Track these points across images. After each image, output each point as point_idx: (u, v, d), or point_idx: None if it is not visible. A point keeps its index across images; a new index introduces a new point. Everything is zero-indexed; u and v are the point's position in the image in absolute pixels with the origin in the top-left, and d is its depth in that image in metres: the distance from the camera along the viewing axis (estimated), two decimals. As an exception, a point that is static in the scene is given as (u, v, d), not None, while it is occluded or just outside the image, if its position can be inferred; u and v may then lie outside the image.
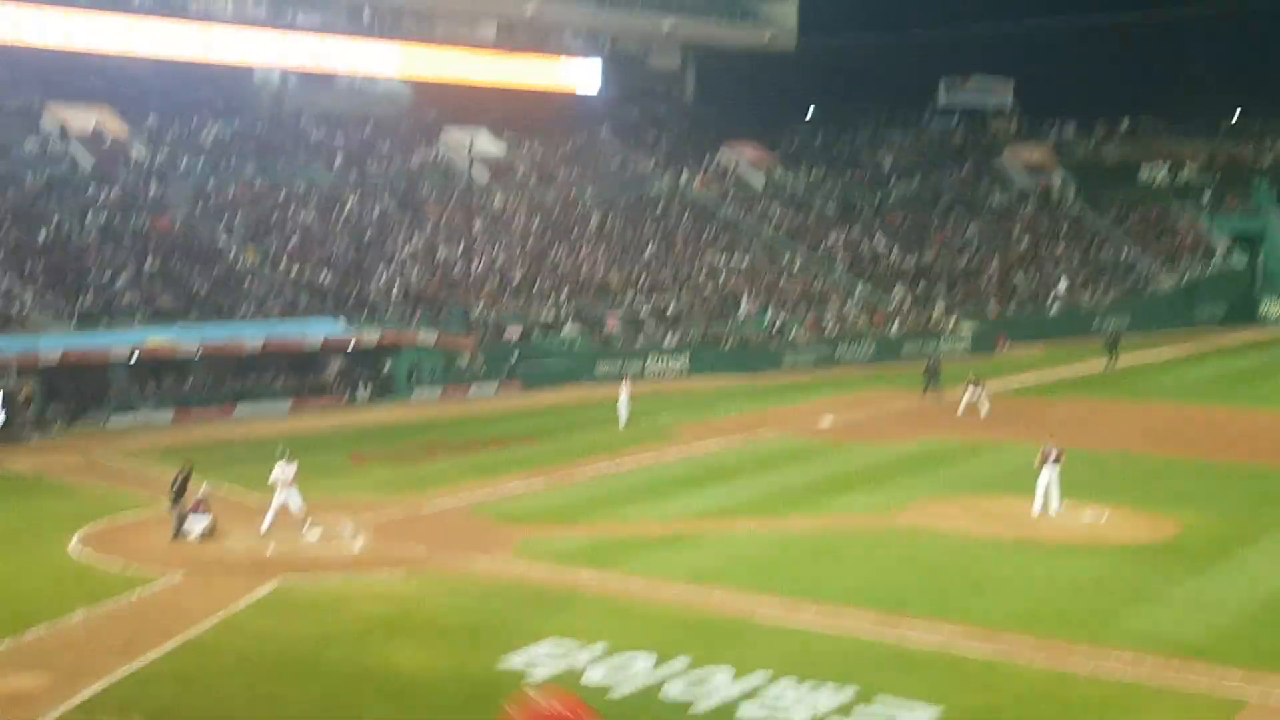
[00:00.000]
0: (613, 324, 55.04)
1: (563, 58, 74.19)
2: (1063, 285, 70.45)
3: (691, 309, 58.30)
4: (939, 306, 63.91)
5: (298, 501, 26.71)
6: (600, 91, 74.94)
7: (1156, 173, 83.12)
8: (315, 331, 46.26)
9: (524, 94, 71.61)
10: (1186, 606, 22.35)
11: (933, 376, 47.44)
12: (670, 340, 55.03)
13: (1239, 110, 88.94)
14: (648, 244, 63.58)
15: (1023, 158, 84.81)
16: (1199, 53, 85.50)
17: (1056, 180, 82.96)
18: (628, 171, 71.73)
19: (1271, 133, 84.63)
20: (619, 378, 47.04)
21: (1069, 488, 29.14)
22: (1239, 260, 76.23)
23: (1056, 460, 28.72)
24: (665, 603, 22.26)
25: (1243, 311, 74.28)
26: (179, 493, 26.35)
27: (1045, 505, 28.68)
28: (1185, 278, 73.80)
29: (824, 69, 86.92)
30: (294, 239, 53.76)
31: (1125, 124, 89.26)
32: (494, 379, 49.33)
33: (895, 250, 70.28)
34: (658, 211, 67.51)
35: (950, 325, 62.14)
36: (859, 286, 64.57)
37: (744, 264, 64.14)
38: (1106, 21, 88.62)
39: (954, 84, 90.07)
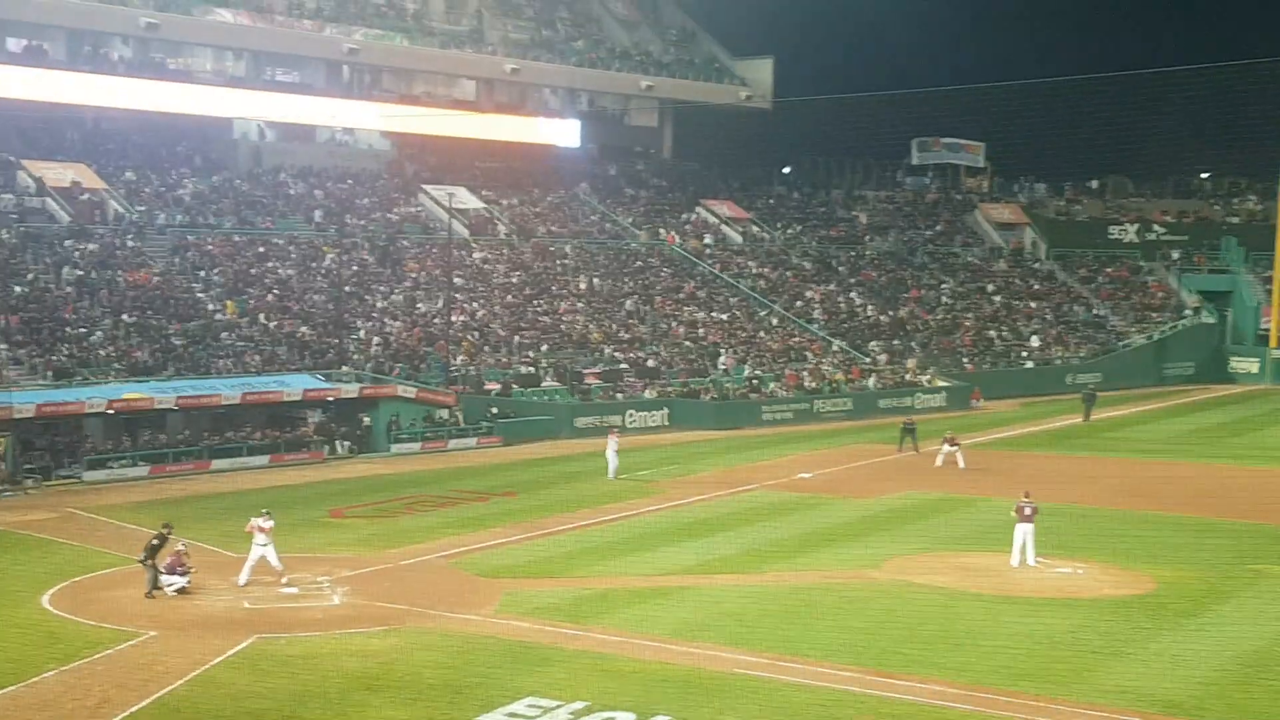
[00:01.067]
0: (592, 378, 55.17)
1: (542, 115, 74.82)
2: (1035, 341, 71.02)
3: (670, 363, 58.49)
4: (914, 361, 64.30)
5: (274, 558, 26.62)
6: (579, 148, 75.54)
7: (1126, 231, 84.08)
8: (294, 386, 46.21)
9: (503, 150, 72.13)
10: (1163, 662, 22.44)
11: (910, 431, 47.68)
12: (649, 394, 55.18)
13: (1207, 170, 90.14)
14: (626, 299, 63.86)
15: (994, 216, 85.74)
16: (1167, 113, 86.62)
17: (1028, 239, 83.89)
18: (606, 227, 72.14)
19: (1239, 192, 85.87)
20: (599, 431, 47.12)
21: (1045, 542, 29.29)
22: (1208, 317, 76.98)
23: (1030, 516, 28.97)
24: (646, 659, 22.21)
25: (1212, 368, 74.98)
26: (152, 552, 26.19)
27: (1022, 558, 28.90)
28: (1155, 335, 74.49)
29: (799, 128, 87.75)
30: (272, 293, 53.79)
31: (1095, 183, 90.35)
32: (474, 433, 49.30)
33: (871, 306, 70.80)
34: (636, 266, 67.87)
35: (926, 380, 62.51)
36: (835, 342, 64.96)
37: (722, 319, 64.46)
38: (1076, 82, 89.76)
39: (926, 144, 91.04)
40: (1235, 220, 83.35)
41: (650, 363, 58.17)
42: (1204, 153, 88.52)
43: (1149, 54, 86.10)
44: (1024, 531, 28.90)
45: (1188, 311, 77.01)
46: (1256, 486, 42.04)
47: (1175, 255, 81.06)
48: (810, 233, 79.00)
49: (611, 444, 42.04)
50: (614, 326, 60.71)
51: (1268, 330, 74.04)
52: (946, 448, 43.99)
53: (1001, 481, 39.80)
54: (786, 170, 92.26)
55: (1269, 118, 70.51)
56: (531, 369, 54.65)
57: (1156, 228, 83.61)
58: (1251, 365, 74.96)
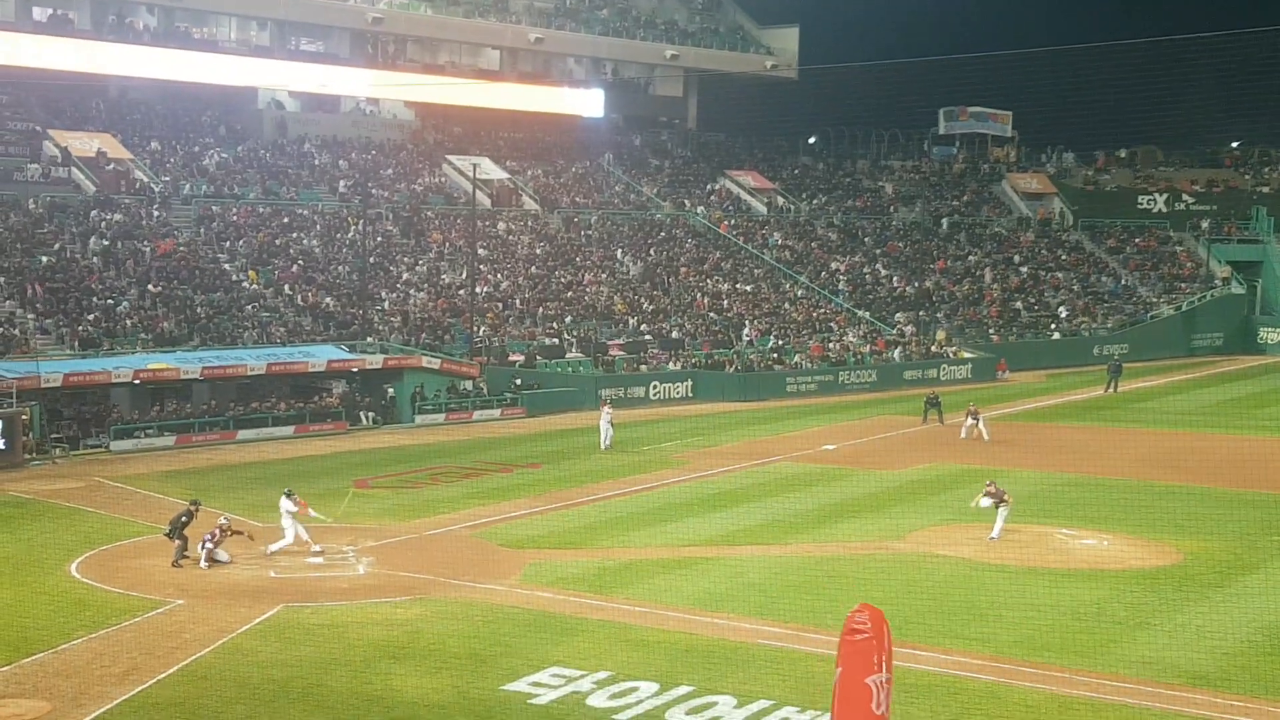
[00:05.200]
0: (616, 349, 55.17)
1: (566, 85, 74.58)
2: (1062, 312, 70.60)
3: (695, 335, 58.42)
4: (940, 333, 64.05)
5: (303, 531, 26.87)
6: (603, 118, 75.30)
7: (1155, 201, 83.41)
8: (318, 357, 46.35)
9: (527, 121, 71.97)
10: (1188, 633, 22.34)
11: (933, 406, 47.54)
12: (674, 366, 55.13)
13: (1237, 139, 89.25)
14: (651, 270, 63.75)
15: (1022, 186, 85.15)
16: (1197, 81, 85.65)
17: (1056, 208, 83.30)
18: (630, 197, 71.98)
19: (1270, 161, 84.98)
20: (623, 402, 47.17)
21: (1072, 514, 29.14)
22: (1237, 288, 76.37)
23: (1001, 500, 28.63)
24: (669, 629, 22.25)
25: (1241, 339, 74.45)
26: (180, 528, 26.37)
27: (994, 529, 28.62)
28: (1184, 305, 73.95)
29: (825, 97, 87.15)
30: (297, 264, 53.91)
31: (1123, 153, 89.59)
32: (498, 404, 49.40)
33: (896, 277, 70.50)
34: (660, 237, 67.71)
35: (952, 352, 62.25)
36: (860, 313, 64.74)
37: (747, 290, 64.30)
38: (1103, 50, 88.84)
39: (954, 113, 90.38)
40: (1265, 190, 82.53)
41: (675, 334, 58.09)
42: (1234, 121, 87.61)
43: (1178, 20, 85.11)
44: (1002, 513, 28.61)
45: (1217, 282, 76.40)
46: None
47: (1204, 225, 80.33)
48: (836, 203, 78.66)
49: (605, 415, 42.01)
50: (638, 297, 60.62)
51: (1297, 301, 73.45)
52: (970, 420, 43.81)
53: (1025, 454, 39.63)
54: (812, 140, 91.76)
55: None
56: (555, 340, 54.67)
57: (1186, 197, 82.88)
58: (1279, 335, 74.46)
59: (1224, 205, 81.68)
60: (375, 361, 47.21)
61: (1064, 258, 77.76)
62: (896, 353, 61.02)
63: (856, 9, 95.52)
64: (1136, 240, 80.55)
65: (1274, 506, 33.39)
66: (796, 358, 58.45)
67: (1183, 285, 76.12)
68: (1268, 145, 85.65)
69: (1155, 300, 74.55)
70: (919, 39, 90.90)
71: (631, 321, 58.20)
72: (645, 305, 60.09)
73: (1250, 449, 43.18)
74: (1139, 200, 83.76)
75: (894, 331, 63.56)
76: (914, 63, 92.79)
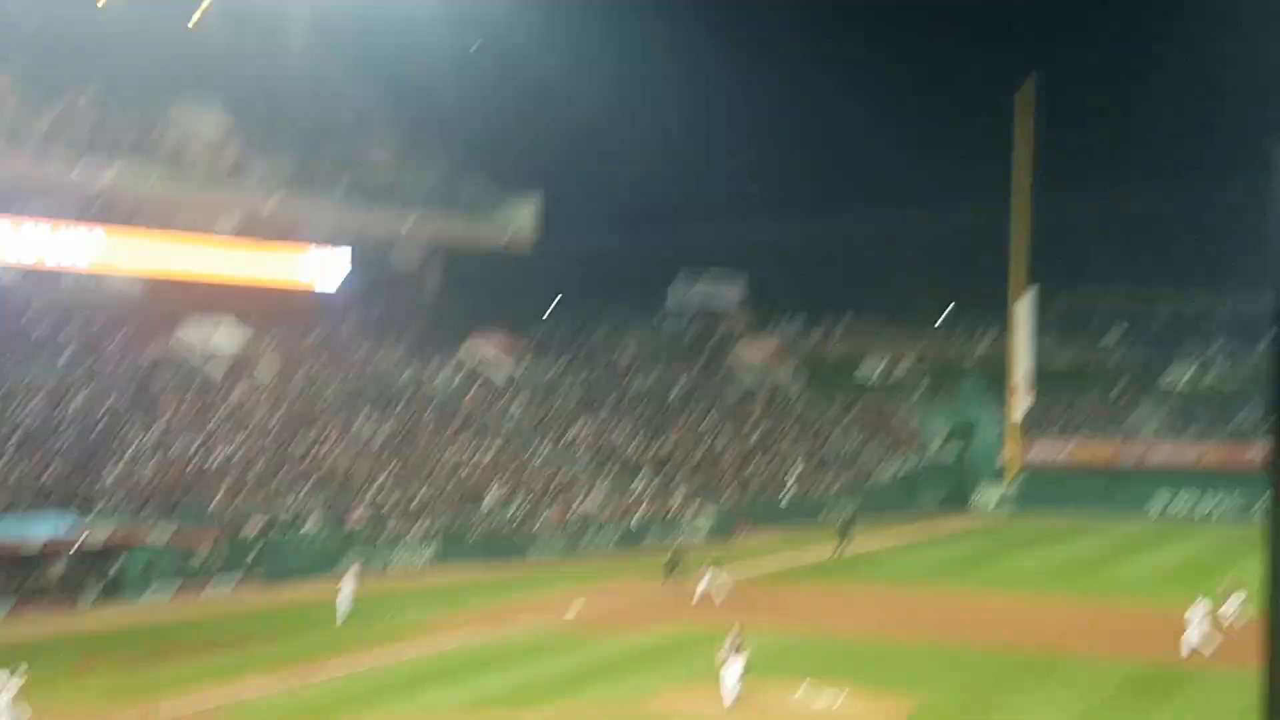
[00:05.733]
0: (357, 516, 54.33)
1: (304, 253, 74.26)
2: (793, 474, 73.30)
3: (438, 500, 58.12)
4: (679, 495, 65.51)
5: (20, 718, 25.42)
6: (344, 284, 75.14)
7: (876, 367, 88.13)
8: (38, 530, 44.09)
9: (265, 287, 71.17)
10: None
11: (674, 565, 48.49)
12: (416, 532, 54.60)
13: (948, 309, 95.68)
14: (393, 436, 63.36)
15: (753, 352, 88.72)
16: (912, 255, 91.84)
17: (785, 374, 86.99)
18: (372, 364, 71.66)
19: (978, 330, 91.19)
20: (363, 572, 46.36)
21: (809, 671, 30.06)
22: (952, 450, 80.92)
23: (739, 650, 29.47)
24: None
25: (957, 499, 78.64)
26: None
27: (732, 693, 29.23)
28: (904, 467, 77.83)
29: (564, 266, 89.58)
30: (16, 434, 51.43)
31: (846, 322, 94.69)
32: (233, 576, 47.80)
33: (636, 441, 72.01)
34: (402, 404, 67.50)
35: (690, 513, 63.69)
36: (602, 476, 65.71)
37: (490, 455, 64.54)
38: (829, 225, 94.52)
39: (687, 282, 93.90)
40: (974, 357, 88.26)
41: (416, 501, 57.67)
42: (946, 293, 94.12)
43: (895, 198, 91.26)
44: (736, 666, 29.31)
45: (933, 445, 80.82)
46: (1001, 611, 44.16)
47: (920, 390, 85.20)
48: (576, 369, 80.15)
49: (344, 585, 41.30)
50: (380, 463, 60.07)
51: (1006, 463, 78.20)
52: (708, 580, 44.83)
53: (763, 614, 40.71)
54: (554, 306, 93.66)
55: (1001, 261, 75.54)
56: (294, 509, 53.51)
57: (904, 364, 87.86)
58: (992, 496, 78.96)
59: (938, 371, 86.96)
60: (102, 533, 45.21)
61: (794, 421, 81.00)
62: (636, 515, 62.05)
63: (597, 180, 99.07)
64: (860, 405, 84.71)
65: (998, 660, 35.23)
66: (538, 523, 58.74)
67: (902, 448, 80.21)
68: (976, 315, 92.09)
69: (878, 462, 78.25)
70: (657, 210, 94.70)
71: (371, 489, 57.54)
72: (386, 473, 59.56)
73: (969, 604, 45.55)
74: (861, 367, 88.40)
75: (634, 494, 64.70)
76: (652, 233, 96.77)
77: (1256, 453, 67.61)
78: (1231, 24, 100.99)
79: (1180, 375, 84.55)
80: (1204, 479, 75.70)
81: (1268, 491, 12.37)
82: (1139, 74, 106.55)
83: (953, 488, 79.35)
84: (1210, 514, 74.16)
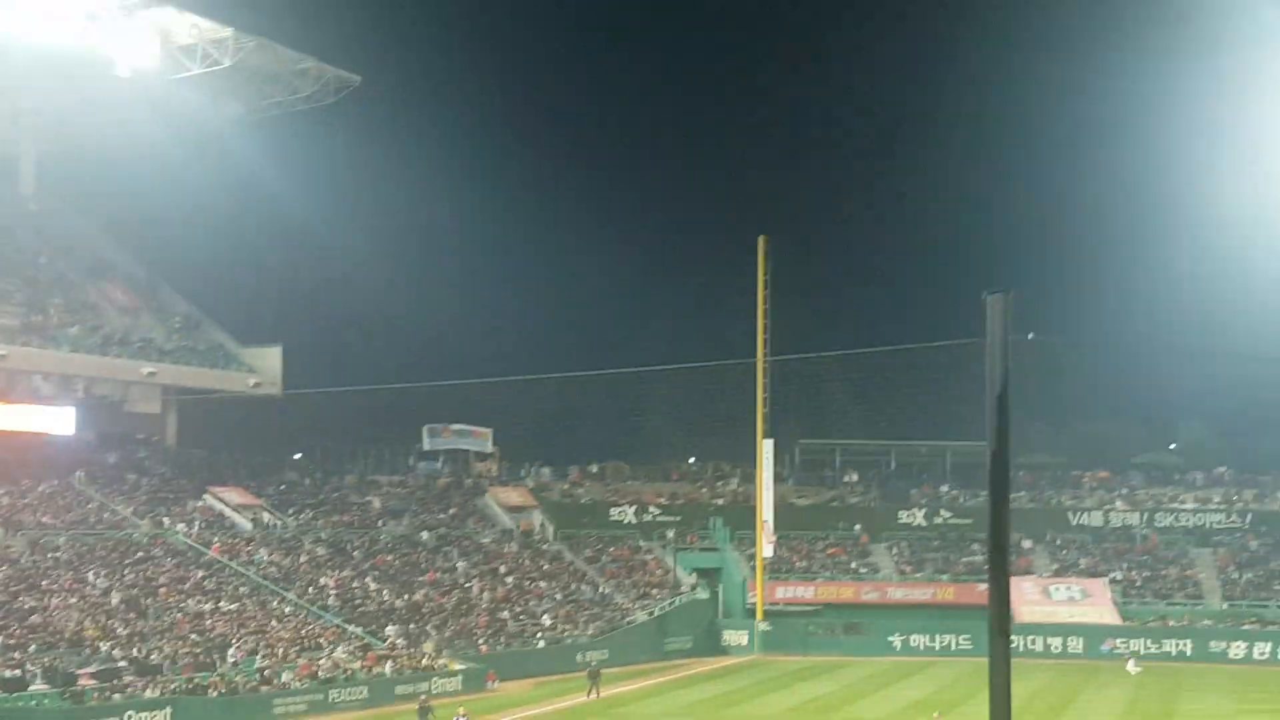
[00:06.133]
0: (87, 679, 51.42)
1: (33, 403, 71.11)
2: (546, 621, 73.09)
3: (175, 658, 55.54)
4: (430, 645, 64.40)
5: None
6: (75, 435, 72.16)
7: (625, 513, 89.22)
8: None
9: (-5, 435, 67.83)
10: None
11: (425, 715, 47.63)
12: (152, 693, 51.97)
13: (694, 456, 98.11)
14: (127, 592, 60.52)
15: (504, 499, 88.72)
16: (658, 403, 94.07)
17: (536, 520, 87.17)
18: (105, 517, 68.61)
19: (723, 475, 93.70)
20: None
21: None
22: (702, 593, 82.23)
23: None
24: None
25: (708, 641, 79.72)
26: None
27: None
28: (656, 611, 78.62)
29: (311, 414, 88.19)
30: None
31: (595, 468, 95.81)
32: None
33: (386, 590, 70.68)
34: (138, 557, 64.69)
35: (442, 664, 62.64)
36: (351, 628, 64.12)
37: (231, 609, 62.25)
38: (576, 376, 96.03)
39: (437, 430, 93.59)
40: (720, 501, 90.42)
41: (153, 658, 55.01)
42: (691, 440, 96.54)
43: (643, 351, 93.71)
44: None
45: (684, 588, 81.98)
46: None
47: (670, 535, 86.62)
48: (323, 518, 78.49)
49: None
50: (113, 621, 57.21)
51: (754, 604, 79.86)
52: (464, 728, 44.19)
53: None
54: (298, 456, 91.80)
55: (742, 410, 78.30)
56: (17, 672, 50.32)
57: (652, 509, 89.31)
58: (741, 638, 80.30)
59: (686, 516, 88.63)
60: None
61: (546, 567, 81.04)
62: (388, 667, 60.67)
63: (338, 332, 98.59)
64: (611, 549, 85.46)
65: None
66: (285, 677, 56.77)
67: (654, 591, 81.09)
68: (721, 461, 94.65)
69: (630, 606, 78.81)
70: (402, 360, 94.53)
71: (104, 647, 54.66)
72: (120, 629, 56.75)
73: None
74: (611, 512, 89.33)
75: (384, 645, 63.33)
76: (395, 386, 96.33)
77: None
78: (945, 189, 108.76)
79: (914, 517, 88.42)
80: (940, 615, 78.91)
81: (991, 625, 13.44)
82: (863, 234, 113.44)
83: (704, 629, 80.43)
84: (949, 648, 77.20)
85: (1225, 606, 78.36)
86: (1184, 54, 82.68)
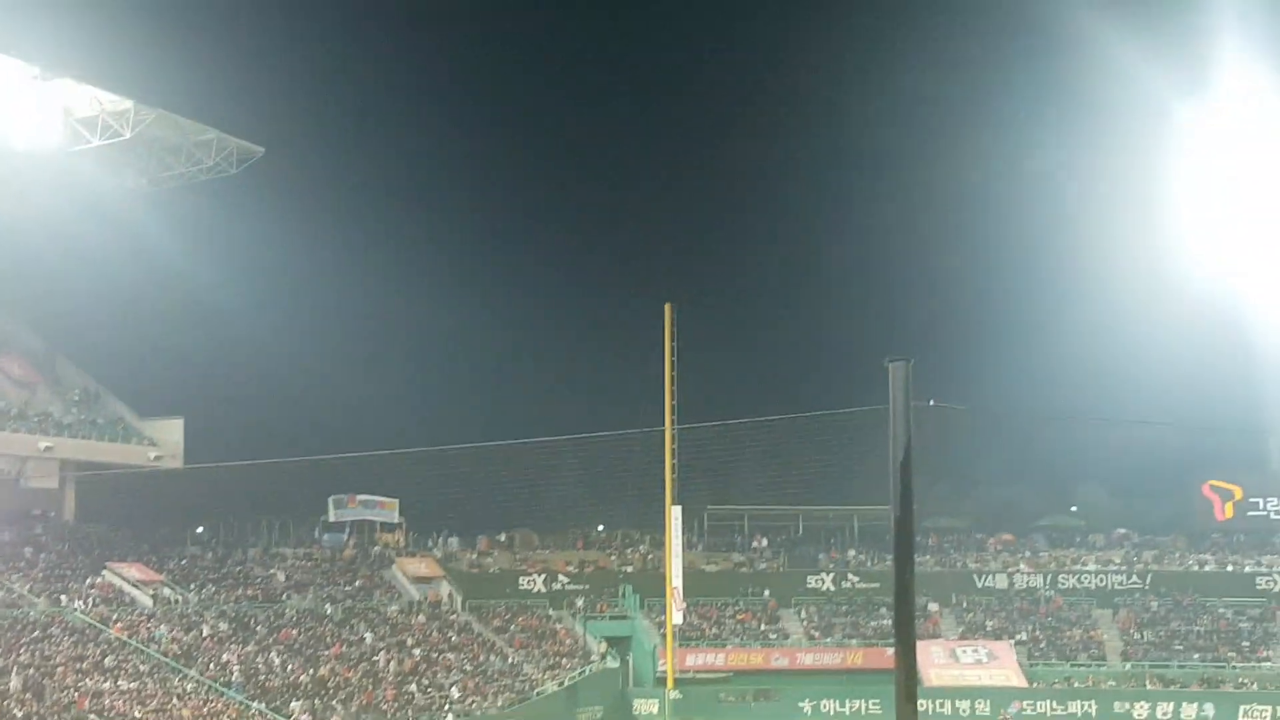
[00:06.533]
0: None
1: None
2: (455, 693, 72.24)
3: (72, 741, 54.13)
4: (338, 718, 63.39)
5: None
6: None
7: (535, 581, 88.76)
8: None
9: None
10: None
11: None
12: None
13: (603, 523, 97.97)
14: (24, 672, 58.86)
15: (411, 570, 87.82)
16: (566, 472, 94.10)
17: (444, 591, 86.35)
18: (1, 596, 66.79)
19: (632, 543, 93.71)
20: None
21: None
22: (612, 662, 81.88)
23: None
24: None
25: (620, 711, 79.31)
26: None
27: None
28: (566, 680, 78.08)
29: (213, 487, 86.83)
30: None
31: (503, 536, 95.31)
32: None
33: (292, 665, 69.44)
34: (34, 637, 63.01)
35: (349, 740, 61.64)
36: (255, 705, 62.89)
37: (132, 687, 60.79)
38: (484, 446, 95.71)
39: (342, 501, 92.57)
40: (630, 569, 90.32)
41: (50, 740, 53.56)
42: (599, 507, 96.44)
43: (545, 421, 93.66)
44: None
45: (594, 657, 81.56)
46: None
47: (580, 603, 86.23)
48: (226, 593, 77.10)
49: None
50: (7, 704, 55.59)
51: (665, 672, 79.66)
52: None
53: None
54: (200, 530, 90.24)
55: (650, 477, 78.47)
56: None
57: (562, 577, 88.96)
58: (653, 706, 79.96)
59: (596, 584, 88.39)
60: None
61: (454, 638, 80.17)
62: (293, 745, 59.57)
63: (239, 404, 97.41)
64: (520, 619, 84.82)
65: None
66: (187, 757, 55.51)
67: (564, 661, 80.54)
68: (629, 528, 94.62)
69: (540, 676, 78.18)
70: (307, 430, 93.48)
71: (-1, 730, 53.12)
72: (17, 710, 55.15)
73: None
74: (520, 581, 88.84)
75: (290, 723, 62.21)
76: (301, 458, 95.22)
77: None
78: (847, 258, 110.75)
79: (823, 582, 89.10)
80: (850, 680, 79.34)
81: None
82: (768, 303, 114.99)
83: (615, 699, 79.99)
84: (859, 712, 77.63)
85: (1127, 667, 79.71)
86: (1079, 127, 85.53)
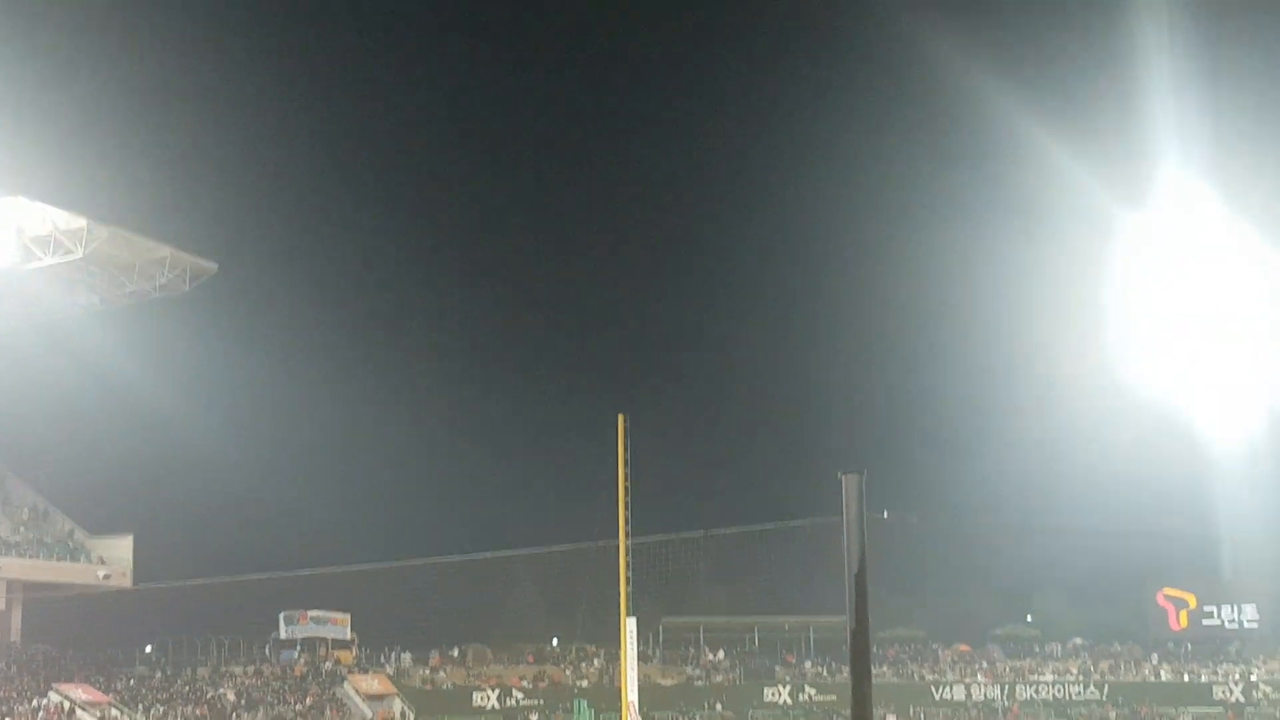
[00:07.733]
0: None
1: None
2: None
3: None
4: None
5: None
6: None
7: (489, 697, 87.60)
8: None
9: None
10: None
11: None
12: None
13: (557, 637, 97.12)
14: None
15: (364, 687, 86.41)
16: (519, 586, 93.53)
17: (396, 708, 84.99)
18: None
19: (586, 657, 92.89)
20: None
21: None
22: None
23: None
24: None
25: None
26: None
27: None
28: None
29: (162, 605, 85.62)
30: None
31: (456, 652, 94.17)
32: None
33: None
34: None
35: None
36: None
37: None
38: (436, 561, 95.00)
39: (293, 618, 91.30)
40: (585, 683, 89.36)
41: None
42: (553, 621, 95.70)
43: (498, 536, 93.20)
44: None
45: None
46: None
47: (534, 718, 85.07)
48: (175, 712, 75.58)
49: None
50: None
51: (621, 787, 78.56)
52: None
53: None
54: (149, 649, 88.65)
55: (604, 590, 77.98)
56: None
57: (516, 692, 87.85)
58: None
59: (550, 698, 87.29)
60: None
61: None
62: None
63: (190, 519, 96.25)
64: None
65: None
66: None
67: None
68: (584, 642, 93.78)
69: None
70: (257, 547, 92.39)
71: None
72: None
73: None
74: (474, 697, 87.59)
75: None
76: (252, 576, 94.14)
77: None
78: (799, 372, 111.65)
79: (779, 695, 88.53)
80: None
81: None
82: (721, 415, 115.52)
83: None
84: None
85: (1087, 779, 79.42)
86: (1026, 238, 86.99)
